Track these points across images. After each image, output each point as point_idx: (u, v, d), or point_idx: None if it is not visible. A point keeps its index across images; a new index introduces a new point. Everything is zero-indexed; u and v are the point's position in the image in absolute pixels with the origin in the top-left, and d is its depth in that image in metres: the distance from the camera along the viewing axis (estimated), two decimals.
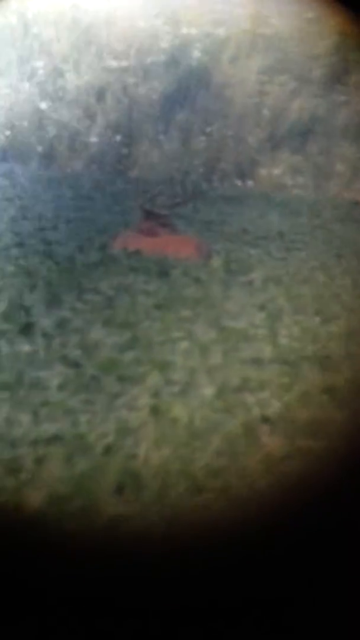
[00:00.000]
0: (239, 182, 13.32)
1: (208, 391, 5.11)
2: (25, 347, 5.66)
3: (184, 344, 5.84)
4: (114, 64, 13.76)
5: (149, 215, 8.79)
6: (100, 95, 13.76)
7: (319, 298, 7.28)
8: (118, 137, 13.55)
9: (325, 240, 9.82)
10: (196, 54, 13.90)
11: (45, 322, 6.16)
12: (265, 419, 4.83)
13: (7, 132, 13.46)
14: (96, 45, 13.78)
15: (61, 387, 5.06)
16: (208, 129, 13.61)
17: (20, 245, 8.43)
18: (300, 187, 13.28)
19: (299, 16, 13.71)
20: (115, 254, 8.19)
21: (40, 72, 13.72)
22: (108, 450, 4.33)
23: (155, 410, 4.78)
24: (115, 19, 13.66)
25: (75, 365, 5.40)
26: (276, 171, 13.44)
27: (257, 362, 5.65)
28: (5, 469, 4.07)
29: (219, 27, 13.87)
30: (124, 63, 13.76)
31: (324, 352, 5.93)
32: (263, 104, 13.76)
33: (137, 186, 9.49)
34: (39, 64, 13.70)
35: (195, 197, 9.57)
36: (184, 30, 13.86)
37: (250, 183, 13.33)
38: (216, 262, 8.21)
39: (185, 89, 13.79)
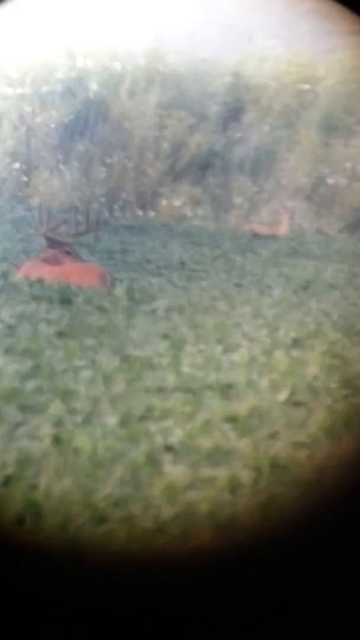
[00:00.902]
0: (140, 212, 13.44)
1: (111, 420, 5.06)
2: None
3: (87, 373, 5.79)
4: (9, 91, 13.68)
5: (51, 243, 8.74)
6: None
7: (220, 327, 7.36)
8: (17, 165, 13.44)
9: (226, 270, 9.98)
10: (93, 86, 14.01)
11: None
12: (168, 448, 4.81)
13: None
14: None
15: None
16: (108, 160, 13.68)
17: None
18: (201, 218, 13.49)
19: (194, 55, 14.06)
20: (17, 283, 8.09)
21: None
22: (8, 481, 4.22)
23: (57, 440, 4.70)
24: (11, 48, 13.61)
25: None
26: (177, 202, 13.62)
27: (160, 390, 5.64)
28: None
29: (115, 61, 14.05)
30: (20, 90, 13.70)
31: (226, 380, 5.97)
32: (162, 138, 13.96)
33: (39, 214, 9.41)
34: None
35: (98, 226, 9.58)
36: (80, 63, 13.96)
37: (151, 213, 13.46)
38: (119, 290, 8.21)
39: (84, 119, 13.84)
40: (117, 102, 13.92)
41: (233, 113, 14.16)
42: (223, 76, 14.05)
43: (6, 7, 13.38)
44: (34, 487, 4.19)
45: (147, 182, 13.76)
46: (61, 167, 13.55)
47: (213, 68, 13.98)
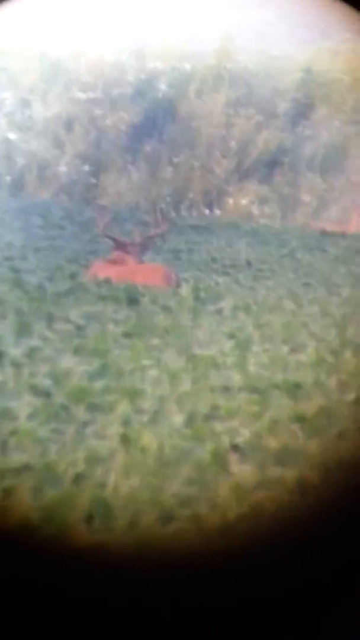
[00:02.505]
0: (207, 211, 13.44)
1: (177, 419, 5.09)
2: None
3: (153, 372, 5.83)
4: (81, 95, 13.86)
5: (118, 244, 8.83)
6: (69, 125, 13.83)
7: (287, 326, 7.32)
8: (86, 167, 13.61)
9: (293, 269, 9.91)
10: (162, 87, 14.08)
11: (14, 351, 6.13)
12: (234, 448, 4.81)
13: None
14: (64, 77, 13.90)
15: (30, 417, 5.01)
16: (175, 159, 13.73)
17: None
18: (268, 217, 13.42)
19: (264, 53, 13.99)
20: (85, 283, 8.20)
21: (8, 102, 13.77)
22: (77, 479, 4.29)
23: (124, 439, 4.75)
24: (83, 53, 13.80)
25: (45, 394, 5.36)
26: (243, 201, 13.58)
27: (226, 390, 5.65)
28: None
29: (185, 61, 14.10)
30: (92, 95, 13.87)
31: (293, 380, 5.94)
32: (230, 136, 13.94)
33: (97, 215, 9.51)
34: (6, 94, 13.76)
35: (164, 225, 9.64)
36: (150, 64, 14.05)
37: (218, 212, 13.45)
38: (185, 290, 8.24)
39: (152, 120, 13.92)
40: (186, 101, 13.97)
41: (303, 110, 14.05)
42: (293, 72, 13.96)
43: (77, 12, 13.57)
44: (102, 485, 4.24)
45: (213, 180, 13.77)
46: (129, 167, 13.67)
47: (283, 65, 13.90)
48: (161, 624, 3.36)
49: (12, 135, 13.56)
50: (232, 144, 13.96)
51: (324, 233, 12.51)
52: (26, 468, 4.35)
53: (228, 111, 14.02)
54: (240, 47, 13.94)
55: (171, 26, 13.87)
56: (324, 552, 3.91)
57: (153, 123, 13.97)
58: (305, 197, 13.72)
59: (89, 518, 3.95)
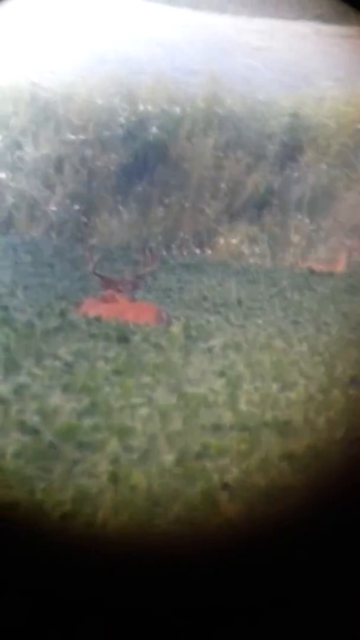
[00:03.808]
0: (197, 251, 13.50)
1: (168, 458, 5.06)
2: None
3: (143, 410, 5.80)
4: (72, 137, 14.00)
5: (109, 282, 8.84)
6: (59, 166, 13.95)
7: (277, 364, 7.32)
8: (77, 206, 13.69)
9: (283, 307, 9.94)
10: (153, 129, 14.25)
11: (2, 388, 6.08)
12: (224, 486, 4.78)
13: None
14: (54, 120, 14.05)
15: (18, 455, 4.97)
16: (166, 200, 13.84)
17: None
18: (258, 256, 13.49)
19: (252, 97, 14.25)
20: (75, 320, 8.18)
21: None
22: (65, 517, 4.24)
23: (114, 477, 4.72)
24: (74, 96, 13.98)
25: (34, 431, 5.32)
26: (234, 240, 13.66)
27: (217, 428, 5.63)
28: None
29: (175, 105, 14.30)
30: (82, 136, 14.01)
31: (283, 418, 5.93)
32: (220, 178, 14.09)
33: (87, 253, 9.55)
34: None
35: (155, 264, 9.66)
36: (141, 107, 14.23)
37: (208, 252, 13.51)
38: (176, 328, 8.24)
39: (143, 162, 14.06)
40: (176, 144, 14.13)
41: (291, 153, 14.23)
42: (281, 117, 14.18)
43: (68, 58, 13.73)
44: (90, 524, 4.20)
45: (204, 221, 13.86)
46: (120, 208, 13.75)
47: (271, 109, 14.15)
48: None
49: (1, 175, 13.66)
50: (222, 185, 14.12)
51: (313, 272, 12.58)
52: (12, 507, 4.30)
53: (218, 154, 14.19)
54: (228, 92, 14.19)
55: (161, 70, 14.13)
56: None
57: (144, 164, 14.10)
58: (294, 238, 13.84)
59: None
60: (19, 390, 6.09)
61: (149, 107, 14.15)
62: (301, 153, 14.21)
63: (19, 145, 13.86)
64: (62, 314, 8.39)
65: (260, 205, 14.07)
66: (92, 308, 8.43)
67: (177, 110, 14.18)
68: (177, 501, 4.52)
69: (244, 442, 5.42)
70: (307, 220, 13.87)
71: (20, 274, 10.17)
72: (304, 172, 14.12)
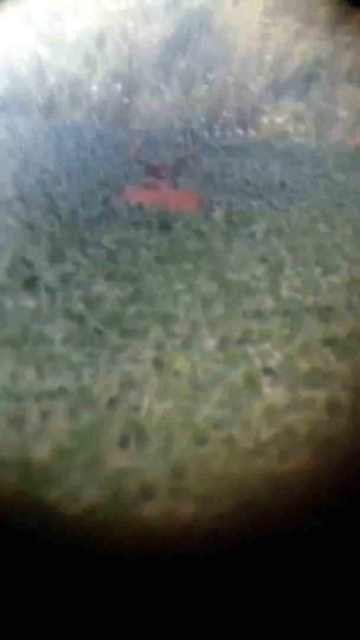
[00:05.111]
0: (240, 131, 13.21)
1: (210, 343, 5.15)
2: (29, 302, 5.70)
3: (186, 297, 5.87)
4: (113, 6, 13.49)
5: (151, 168, 8.77)
6: (100, 40, 13.53)
7: (320, 249, 7.29)
8: (119, 86, 13.39)
9: (327, 189, 9.78)
10: None
11: (48, 276, 6.19)
12: (267, 370, 4.87)
13: (6, 80, 13.30)
14: None
15: (65, 341, 5.10)
16: (210, 76, 13.42)
17: (22, 199, 8.42)
18: (303, 135, 13.16)
19: None
20: (118, 208, 8.18)
21: (38, 14, 13.45)
22: (112, 403, 4.38)
23: (158, 363, 4.83)
24: None
25: (79, 319, 5.44)
26: (278, 119, 13.31)
27: (258, 314, 5.69)
28: (11, 423, 4.13)
29: None
30: (123, 6, 13.51)
31: (325, 303, 5.96)
32: (266, 49, 13.54)
33: (137, 136, 9.43)
34: (35, 6, 13.45)
35: (197, 148, 9.52)
36: None
37: (252, 132, 13.22)
38: (218, 214, 8.20)
39: (187, 33, 13.55)
40: (221, 11, 13.53)
41: (342, 13, 13.52)
42: None
43: None
44: (136, 409, 4.33)
45: (248, 98, 13.47)
46: (162, 86, 13.40)
47: None
48: (200, 553, 3.45)
49: (42, 50, 13.31)
50: (268, 57, 13.58)
51: None
52: (61, 392, 4.46)
53: (265, 20, 13.57)
54: None
55: None
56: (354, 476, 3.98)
57: (187, 36, 13.60)
58: (343, 112, 13.39)
59: (124, 441, 4.05)
60: (64, 278, 6.20)
61: None
62: (353, 14, 13.51)
63: (58, 17, 13.44)
64: (105, 201, 8.40)
65: (307, 78, 13.58)
66: (134, 195, 8.41)
67: None
68: (220, 386, 4.62)
69: (286, 327, 5.48)
70: (358, 92, 13.36)
71: (64, 161, 10.13)
72: (356, 36, 13.45)
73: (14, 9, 13.24)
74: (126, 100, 13.34)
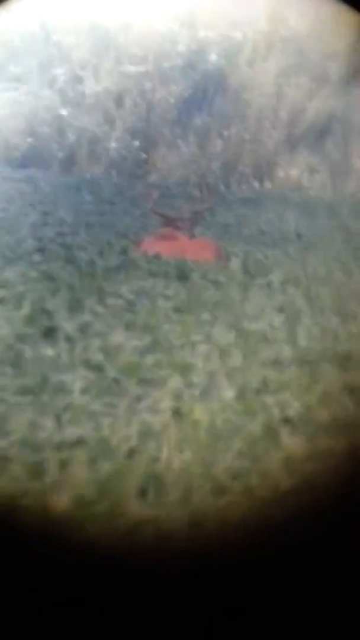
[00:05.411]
0: (256, 185, 13.35)
1: (228, 393, 5.14)
2: (49, 351, 5.72)
3: (203, 347, 5.88)
4: (132, 69, 13.83)
5: (167, 219, 8.86)
6: (119, 100, 13.83)
7: (338, 298, 7.29)
8: (137, 142, 13.63)
9: (344, 239, 9.82)
10: (213, 57, 13.95)
11: (67, 326, 6.22)
12: (286, 420, 4.85)
13: (29, 139, 13.57)
14: (114, 51, 13.87)
15: (84, 391, 5.11)
16: (225, 132, 13.65)
17: (42, 250, 8.50)
18: (318, 187, 13.28)
19: (317, 16, 13.69)
20: (136, 258, 8.25)
21: (61, 78, 13.81)
22: (131, 453, 4.37)
23: (176, 413, 4.82)
24: (133, 23, 13.73)
25: (98, 368, 5.45)
26: (294, 172, 13.45)
27: (276, 363, 5.67)
28: (30, 472, 4.13)
29: (236, 29, 13.90)
30: (142, 68, 13.83)
31: (343, 351, 5.94)
32: (281, 106, 13.79)
33: (154, 190, 9.56)
34: (60, 70, 13.80)
35: (213, 200, 9.62)
36: (201, 33, 13.90)
37: (268, 185, 13.35)
38: (234, 264, 8.24)
39: (202, 92, 13.84)
40: (236, 71, 13.83)
41: (355, 73, 13.78)
42: (347, 35, 13.65)
43: None
44: (155, 459, 4.32)
45: (263, 152, 13.65)
46: (179, 142, 13.63)
47: (337, 27, 13.57)
48: (215, 596, 3.43)
49: (63, 111, 13.62)
50: (283, 114, 13.82)
51: None
52: (80, 442, 4.45)
53: (279, 80, 13.84)
54: (292, 11, 13.69)
55: None
56: None
57: (203, 95, 13.88)
58: (357, 164, 13.54)
59: (143, 492, 4.03)
60: (83, 328, 6.23)
61: (209, 33, 13.82)
62: None
63: (79, 80, 13.77)
64: (123, 252, 8.47)
65: (321, 132, 13.77)
66: (152, 246, 8.48)
67: (238, 34, 13.80)
68: (239, 435, 4.60)
69: (304, 376, 5.46)
70: None
71: (82, 213, 10.24)
72: None
73: (38, 76, 13.60)
74: (144, 155, 13.56)
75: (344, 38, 13.71)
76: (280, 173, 13.41)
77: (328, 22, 13.74)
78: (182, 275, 7.68)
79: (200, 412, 4.82)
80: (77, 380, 5.23)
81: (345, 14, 13.64)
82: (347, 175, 13.44)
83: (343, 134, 13.68)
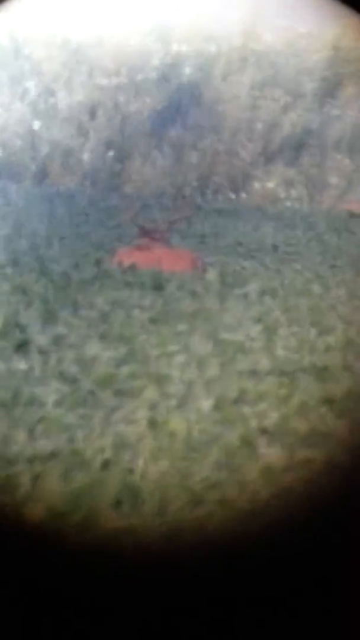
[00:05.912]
0: (232, 196, 13.38)
1: (205, 404, 5.08)
2: (22, 365, 5.64)
3: (180, 358, 5.83)
4: (105, 82, 13.82)
5: (144, 230, 8.83)
6: (92, 112, 13.81)
7: (314, 309, 7.28)
8: (111, 154, 13.60)
9: (320, 251, 9.84)
10: (187, 70, 13.99)
11: (41, 338, 6.15)
12: (263, 431, 4.80)
13: (0, 152, 13.52)
14: (87, 64, 13.87)
15: (58, 404, 5.03)
16: (200, 144, 13.67)
17: (15, 263, 8.44)
18: (294, 200, 13.33)
19: (291, 31, 13.79)
20: (110, 270, 8.20)
21: (32, 91, 13.77)
22: (105, 465, 4.30)
23: (152, 424, 4.76)
24: (106, 38, 13.74)
25: (72, 380, 5.39)
26: (270, 184, 13.49)
27: (254, 374, 5.64)
28: (4, 486, 4.04)
29: (210, 43, 13.96)
30: (115, 81, 13.83)
31: (321, 363, 5.92)
32: (256, 119, 13.84)
33: (123, 202, 9.54)
34: (30, 83, 13.77)
35: (189, 211, 9.61)
36: (175, 47, 13.94)
37: (244, 196, 13.38)
38: (211, 275, 8.22)
39: (177, 105, 13.87)
40: (211, 85, 13.87)
41: (330, 89, 13.88)
42: (321, 51, 13.76)
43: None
44: (130, 470, 4.25)
45: (239, 164, 13.69)
46: (154, 153, 13.63)
47: (311, 42, 13.68)
48: (190, 609, 3.37)
49: (36, 124, 13.58)
50: (258, 126, 13.87)
51: (352, 214, 12.40)
52: (54, 455, 4.37)
53: (254, 93, 13.90)
54: (268, 26, 13.76)
55: (196, 6, 13.71)
56: (354, 533, 3.89)
57: (178, 108, 13.91)
58: (332, 179, 13.62)
59: (118, 503, 3.96)
60: (57, 340, 6.16)
61: (184, 47, 13.86)
62: (341, 89, 13.85)
63: (52, 93, 13.74)
64: (98, 263, 8.42)
65: (297, 146, 13.83)
66: (127, 257, 8.44)
67: (213, 48, 13.86)
68: (216, 446, 4.55)
69: (282, 387, 5.43)
70: (346, 161, 13.60)
71: (56, 225, 10.20)
72: (343, 109, 13.77)
73: (9, 89, 13.57)
74: (118, 166, 13.54)
75: (318, 53, 13.82)
76: (257, 185, 13.45)
77: (303, 37, 13.85)
78: (158, 286, 7.64)
79: (176, 423, 4.76)
80: (50, 393, 5.16)
81: (320, 29, 13.77)
82: (323, 189, 13.51)
83: (319, 147, 13.76)
